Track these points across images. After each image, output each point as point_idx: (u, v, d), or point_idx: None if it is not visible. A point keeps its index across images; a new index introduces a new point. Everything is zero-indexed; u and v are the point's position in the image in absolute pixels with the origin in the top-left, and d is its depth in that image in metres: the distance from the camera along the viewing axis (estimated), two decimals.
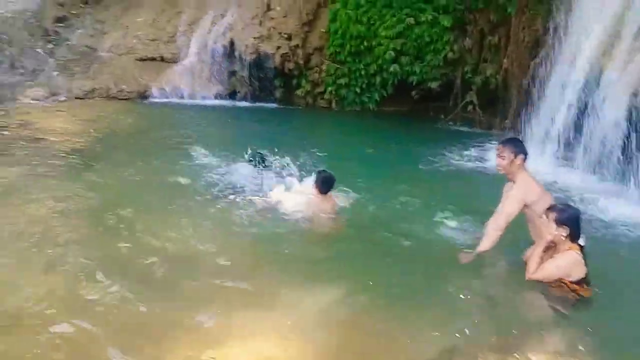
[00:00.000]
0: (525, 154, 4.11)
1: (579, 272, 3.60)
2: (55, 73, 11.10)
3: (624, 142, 6.07)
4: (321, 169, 5.21)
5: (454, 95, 10.08)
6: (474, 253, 4.07)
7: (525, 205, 3.98)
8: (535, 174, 6.56)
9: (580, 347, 3.23)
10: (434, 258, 4.33)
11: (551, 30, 8.22)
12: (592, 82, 6.87)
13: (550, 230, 3.63)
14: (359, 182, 5.99)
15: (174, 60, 11.63)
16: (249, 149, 6.18)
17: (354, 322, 3.47)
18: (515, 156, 4.05)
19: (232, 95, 11.26)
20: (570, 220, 3.62)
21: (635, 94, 6.22)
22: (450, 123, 9.74)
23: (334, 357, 3.19)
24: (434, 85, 9.94)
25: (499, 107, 9.40)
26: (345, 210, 5.19)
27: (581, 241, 3.69)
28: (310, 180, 5.11)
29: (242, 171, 6.14)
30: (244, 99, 11.18)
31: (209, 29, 11.36)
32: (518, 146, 4.14)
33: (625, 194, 5.76)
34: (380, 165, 7.33)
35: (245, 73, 10.96)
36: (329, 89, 10.76)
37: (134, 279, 3.83)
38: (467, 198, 5.64)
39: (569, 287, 3.61)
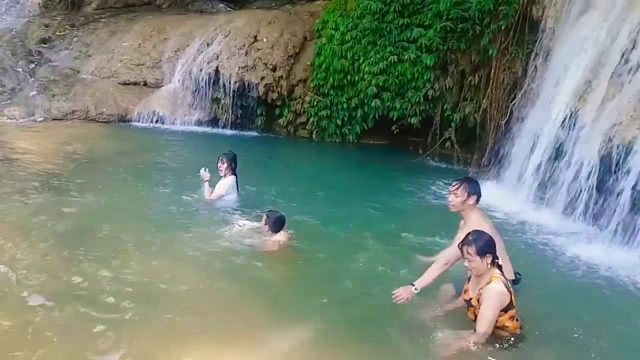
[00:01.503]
0: (479, 194, 4.16)
1: (505, 300, 3.52)
2: (33, 93, 11.02)
3: (594, 185, 6.14)
4: (270, 209, 5.32)
5: (432, 132, 10.20)
6: (413, 288, 3.94)
7: None
8: (509, 213, 6.75)
9: None
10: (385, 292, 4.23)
11: (529, 73, 8.44)
12: (567, 126, 7.00)
13: (480, 267, 3.57)
14: (326, 213, 6.09)
15: (157, 86, 11.67)
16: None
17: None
18: (469, 196, 4.10)
19: (214, 122, 11.27)
20: (489, 245, 3.59)
21: (607, 139, 6.33)
22: (428, 158, 9.82)
23: None
24: (413, 120, 10.06)
25: (476, 145, 9.52)
26: (303, 241, 5.19)
27: (510, 275, 3.62)
28: (262, 222, 5.18)
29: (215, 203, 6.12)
30: (225, 126, 11.19)
31: (195, 56, 11.43)
32: (473, 186, 4.18)
33: (594, 236, 5.80)
34: (352, 196, 7.34)
35: (229, 101, 11.00)
36: (311, 119, 10.84)
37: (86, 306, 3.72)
38: (431, 231, 5.60)
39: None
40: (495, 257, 3.61)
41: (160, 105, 11.27)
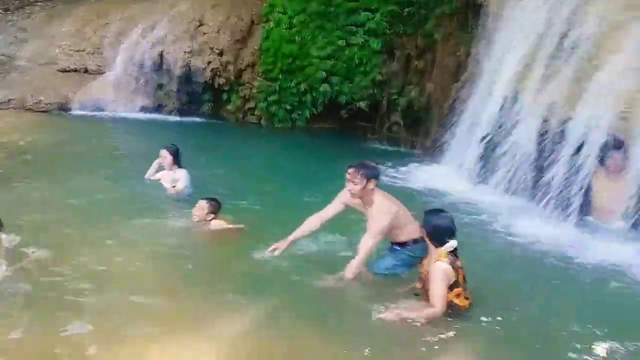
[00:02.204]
0: (377, 176, 4.09)
1: (451, 278, 3.65)
2: None
3: (532, 164, 6.37)
4: (207, 197, 5.24)
5: (380, 116, 10.31)
6: (339, 277, 4.03)
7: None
8: (453, 193, 6.93)
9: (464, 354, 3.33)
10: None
11: (472, 57, 8.62)
12: (507, 108, 7.21)
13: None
14: (275, 198, 6.12)
15: (99, 72, 11.26)
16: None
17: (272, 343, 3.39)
18: (368, 181, 4.02)
19: (159, 108, 10.97)
20: (438, 228, 3.72)
21: (545, 120, 6.57)
22: (377, 142, 9.93)
23: None
24: (362, 105, 10.13)
25: (423, 128, 9.69)
26: (251, 227, 5.16)
27: (453, 244, 3.73)
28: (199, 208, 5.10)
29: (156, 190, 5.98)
30: (171, 112, 10.92)
31: (138, 41, 11.05)
32: (370, 170, 4.08)
33: (531, 212, 6.01)
34: (302, 181, 7.34)
35: (174, 87, 10.74)
36: (260, 105, 10.72)
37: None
38: None
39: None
40: (440, 240, 3.70)
41: (103, 92, 10.88)
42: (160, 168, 6.17)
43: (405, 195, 6.79)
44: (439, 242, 3.72)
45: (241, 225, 5.15)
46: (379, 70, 9.96)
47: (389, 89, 10.10)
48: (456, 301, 3.69)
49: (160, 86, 10.87)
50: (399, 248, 4.18)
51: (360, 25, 9.95)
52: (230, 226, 5.11)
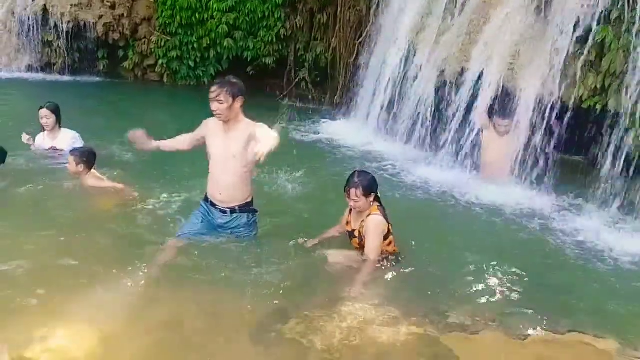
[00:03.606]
0: (244, 94, 3.71)
1: (385, 229, 3.82)
2: None
3: (430, 115, 6.69)
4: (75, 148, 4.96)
5: (288, 73, 10.23)
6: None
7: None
8: (359, 146, 7.13)
9: (392, 298, 3.52)
10: None
11: (373, 11, 8.72)
12: (407, 61, 7.44)
13: (364, 206, 3.76)
14: (176, 160, 5.65)
15: None
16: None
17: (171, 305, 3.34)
18: (234, 99, 3.65)
19: (48, 67, 10.11)
20: (373, 183, 3.79)
21: (441, 72, 6.87)
22: (286, 99, 9.88)
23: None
24: (268, 61, 9.98)
25: (330, 84, 9.77)
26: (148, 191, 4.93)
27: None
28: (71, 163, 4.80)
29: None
30: (62, 71, 10.11)
31: None
32: (235, 87, 3.69)
33: (431, 160, 6.37)
34: None
35: (62, 44, 9.90)
36: (160, 61, 10.21)
37: None
38: (292, 166, 5.74)
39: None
40: (377, 194, 3.81)
41: None
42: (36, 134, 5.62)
43: (314, 151, 6.98)
44: (373, 195, 3.80)
45: (120, 186, 4.86)
46: (283, 24, 9.81)
47: (295, 44, 10.01)
48: (388, 249, 3.87)
49: (47, 43, 9.96)
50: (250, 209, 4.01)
51: None
52: (108, 185, 4.84)
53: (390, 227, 3.85)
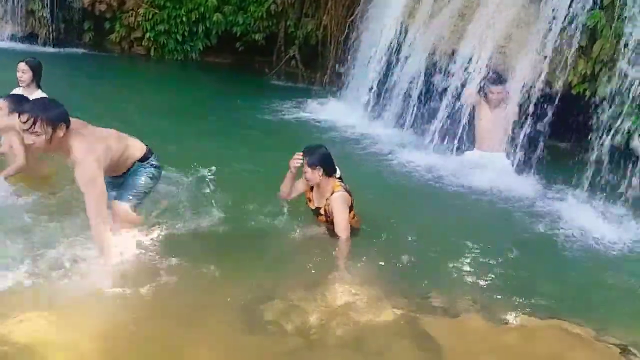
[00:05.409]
0: (66, 121, 3.14)
1: (349, 203, 3.87)
2: None
3: (421, 99, 6.64)
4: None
5: (277, 50, 10.08)
6: None
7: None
8: (348, 127, 7.07)
9: (373, 279, 3.52)
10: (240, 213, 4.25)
11: None
12: (398, 41, 7.34)
13: (313, 179, 3.83)
14: (161, 133, 5.68)
15: None
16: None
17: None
18: (54, 129, 3.09)
19: (32, 38, 9.87)
20: (322, 159, 3.82)
21: (431, 53, 6.80)
22: (274, 77, 9.75)
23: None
24: (258, 37, 9.83)
25: (320, 62, 9.65)
26: None
27: (338, 171, 3.92)
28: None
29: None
30: (46, 42, 9.87)
31: None
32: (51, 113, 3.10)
33: (419, 144, 6.33)
34: (191, 117, 7.05)
35: (47, 13, 9.64)
36: (147, 34, 10.00)
37: None
38: (282, 148, 5.66)
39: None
40: (332, 169, 3.84)
41: None
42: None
43: (303, 131, 6.91)
44: (332, 170, 3.86)
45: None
46: (274, 0, 9.63)
47: (285, 21, 9.85)
48: (351, 222, 3.90)
49: (31, 12, 9.70)
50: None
51: None
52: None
53: (353, 202, 3.89)
